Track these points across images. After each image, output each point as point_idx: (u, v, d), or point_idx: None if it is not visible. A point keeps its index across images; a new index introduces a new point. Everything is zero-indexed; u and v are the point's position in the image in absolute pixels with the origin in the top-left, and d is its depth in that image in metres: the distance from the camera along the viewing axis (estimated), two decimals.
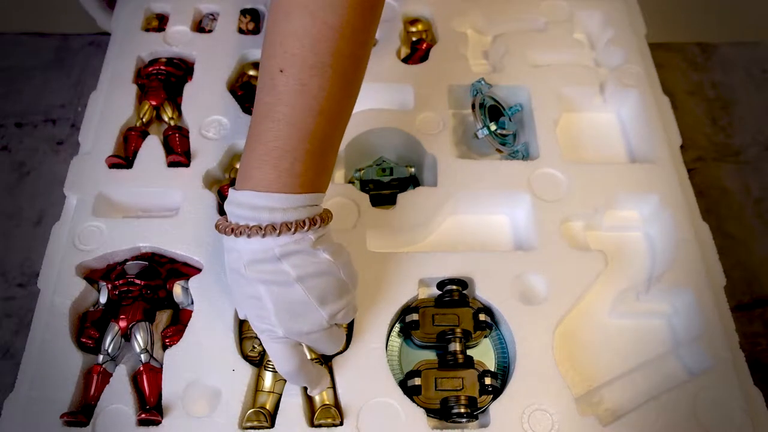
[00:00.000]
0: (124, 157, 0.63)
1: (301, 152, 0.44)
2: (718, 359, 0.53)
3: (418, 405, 0.50)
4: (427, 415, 0.50)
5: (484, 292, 0.56)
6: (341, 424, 0.50)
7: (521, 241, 0.62)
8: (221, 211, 0.60)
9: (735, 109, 0.79)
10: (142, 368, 0.52)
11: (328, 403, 0.51)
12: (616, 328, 0.58)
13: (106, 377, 0.52)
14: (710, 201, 0.71)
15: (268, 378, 0.52)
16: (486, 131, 0.65)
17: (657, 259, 0.61)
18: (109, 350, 0.53)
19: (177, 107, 0.68)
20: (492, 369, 0.54)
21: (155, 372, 0.52)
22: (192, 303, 0.55)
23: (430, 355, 0.55)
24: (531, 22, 0.76)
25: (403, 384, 0.52)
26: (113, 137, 0.64)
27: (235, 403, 0.50)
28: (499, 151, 0.66)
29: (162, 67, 0.70)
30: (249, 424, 0.50)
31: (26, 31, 0.83)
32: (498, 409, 0.51)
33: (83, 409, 0.51)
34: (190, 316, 0.54)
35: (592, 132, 0.71)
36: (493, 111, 0.67)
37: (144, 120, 0.67)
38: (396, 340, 0.55)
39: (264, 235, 0.43)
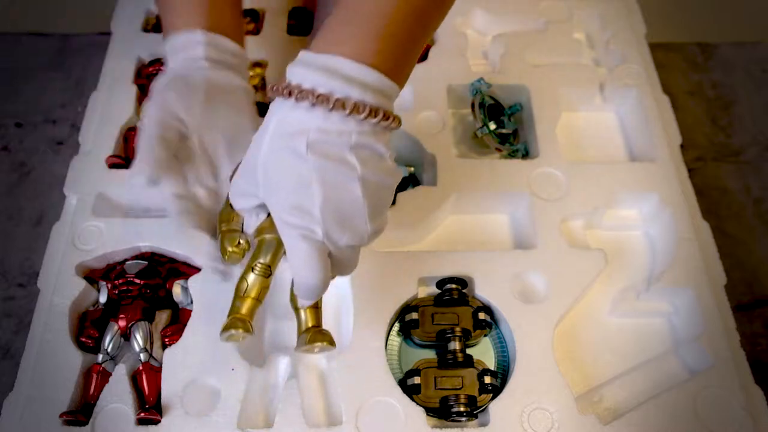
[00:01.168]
0: (124, 157, 0.63)
1: (407, 39, 0.39)
2: (718, 358, 0.53)
3: (417, 404, 0.50)
4: (427, 414, 0.50)
5: (483, 290, 0.56)
6: (334, 346, 0.45)
7: (521, 240, 0.62)
8: None
9: (735, 109, 0.79)
10: (141, 368, 0.52)
11: (316, 324, 0.45)
12: (616, 327, 0.58)
13: (105, 376, 0.52)
14: (710, 201, 0.71)
15: (251, 281, 0.44)
16: (486, 130, 0.65)
17: (657, 258, 0.61)
18: (109, 350, 0.53)
19: None
20: (492, 368, 0.54)
21: (154, 371, 0.52)
22: (191, 302, 0.55)
23: (430, 354, 0.55)
24: (531, 22, 0.77)
25: (402, 383, 0.52)
26: (113, 137, 0.64)
27: (234, 403, 0.50)
28: (499, 150, 0.66)
29: (162, 68, 0.70)
30: (232, 332, 0.42)
31: (26, 31, 0.83)
32: (498, 408, 0.50)
33: (83, 409, 0.51)
34: (190, 316, 0.54)
35: (592, 131, 0.71)
36: (493, 110, 0.67)
37: None
38: (395, 339, 0.55)
39: (349, 113, 0.37)
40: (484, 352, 0.55)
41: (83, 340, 0.54)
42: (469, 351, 0.54)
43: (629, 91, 0.70)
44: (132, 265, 0.56)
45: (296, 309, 0.46)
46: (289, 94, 0.38)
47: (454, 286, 0.56)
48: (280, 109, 0.39)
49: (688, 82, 0.81)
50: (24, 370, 0.52)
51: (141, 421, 0.49)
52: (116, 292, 0.56)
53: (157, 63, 0.71)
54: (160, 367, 0.52)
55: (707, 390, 0.52)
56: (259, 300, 0.44)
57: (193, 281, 0.56)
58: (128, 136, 0.66)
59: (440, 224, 0.63)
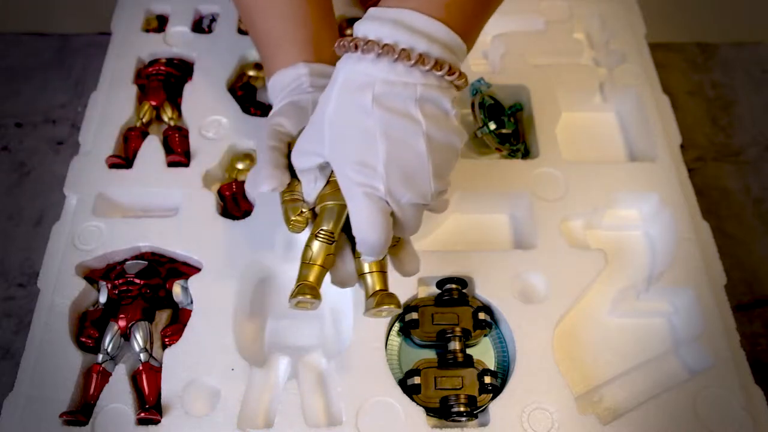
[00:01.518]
0: (124, 157, 0.64)
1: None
2: (718, 358, 0.53)
3: (417, 404, 0.50)
4: (427, 414, 0.50)
5: (483, 290, 0.56)
6: (401, 309, 0.45)
7: (521, 240, 0.62)
8: (221, 211, 0.60)
9: (735, 109, 0.79)
10: (141, 367, 0.52)
11: (383, 288, 0.44)
12: (616, 327, 0.58)
13: (105, 376, 0.52)
14: (710, 201, 0.71)
15: (316, 249, 0.44)
16: (486, 130, 0.65)
17: (657, 258, 0.61)
18: (109, 349, 0.53)
19: (177, 107, 0.68)
20: (492, 368, 0.54)
21: (154, 371, 0.52)
22: (191, 302, 0.55)
23: (430, 354, 0.55)
24: (531, 22, 0.76)
25: (402, 383, 0.52)
26: (113, 137, 0.65)
27: (234, 403, 0.50)
28: (499, 150, 0.66)
29: (162, 68, 0.70)
30: (300, 299, 0.42)
31: (26, 31, 0.83)
32: (498, 408, 0.50)
33: (83, 408, 0.51)
34: (190, 316, 0.54)
35: (592, 131, 0.71)
36: (493, 110, 0.67)
37: (144, 120, 0.67)
38: (395, 339, 0.55)
39: (414, 64, 0.37)
40: (484, 352, 0.55)
41: (83, 340, 0.54)
42: (469, 351, 0.54)
43: (629, 91, 0.70)
44: (132, 265, 0.56)
45: (362, 275, 0.45)
46: (355, 47, 0.37)
47: (454, 286, 0.56)
48: (346, 64, 0.39)
49: (688, 82, 0.81)
50: (24, 370, 0.52)
51: (141, 421, 0.49)
52: (116, 292, 0.56)
53: (157, 63, 0.71)
54: (160, 367, 0.52)
55: (707, 390, 0.52)
56: (325, 267, 0.44)
57: (193, 281, 0.56)
58: (128, 136, 0.66)
59: (440, 224, 0.63)
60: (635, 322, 0.58)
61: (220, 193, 0.62)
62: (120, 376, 0.51)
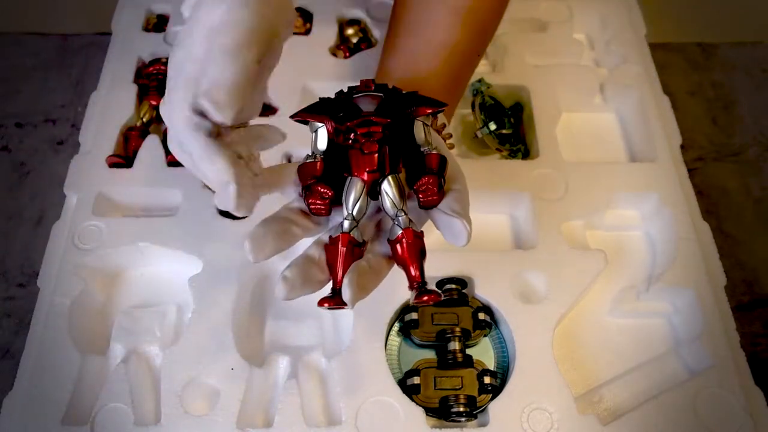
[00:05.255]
0: (124, 157, 0.64)
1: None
2: (718, 358, 0.53)
3: (417, 404, 0.50)
4: (426, 414, 0.50)
5: (483, 291, 0.56)
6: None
7: (521, 240, 0.62)
8: (220, 211, 0.60)
9: (735, 109, 0.79)
10: (402, 236, 0.39)
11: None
12: (616, 327, 0.58)
13: (355, 251, 0.39)
14: (710, 201, 0.71)
15: None
16: (486, 131, 0.65)
17: (657, 259, 0.61)
18: (355, 212, 0.40)
19: None
20: (491, 368, 0.54)
21: (420, 237, 0.40)
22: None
23: (430, 354, 0.55)
24: (531, 22, 0.77)
25: (402, 383, 0.52)
26: (113, 137, 0.65)
27: (233, 402, 0.50)
28: (499, 150, 0.66)
29: (162, 67, 0.70)
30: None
31: (26, 31, 0.83)
32: (497, 408, 0.50)
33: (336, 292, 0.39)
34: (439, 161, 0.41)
35: (592, 132, 0.71)
36: (493, 111, 0.67)
37: (144, 120, 0.67)
38: (395, 339, 0.55)
39: None
40: (483, 353, 0.55)
41: (315, 203, 0.41)
42: (468, 351, 0.54)
43: (629, 91, 0.70)
44: (366, 101, 0.42)
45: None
46: None
47: (454, 286, 0.56)
48: None
49: (688, 82, 0.81)
50: (24, 369, 0.52)
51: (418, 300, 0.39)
52: (351, 137, 0.41)
53: (158, 63, 0.71)
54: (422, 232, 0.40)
55: (707, 390, 0.52)
56: None
57: (193, 281, 0.56)
58: (128, 135, 0.66)
59: None
60: (635, 322, 0.58)
61: None
62: (120, 376, 0.51)
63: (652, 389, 0.54)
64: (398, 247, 0.39)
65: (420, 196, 0.40)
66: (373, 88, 0.43)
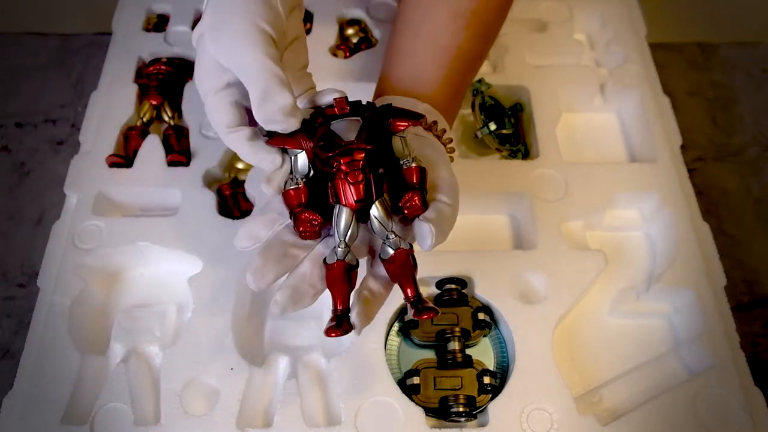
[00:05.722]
0: (124, 157, 0.64)
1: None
2: (718, 359, 0.53)
3: (416, 404, 0.50)
4: (426, 414, 0.50)
5: (483, 291, 0.56)
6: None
7: (521, 240, 0.62)
8: (221, 210, 0.60)
9: (735, 109, 0.79)
10: (395, 256, 0.41)
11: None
12: (616, 328, 0.58)
13: (351, 275, 0.41)
14: (710, 201, 0.71)
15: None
16: (486, 131, 0.65)
17: (657, 259, 0.61)
18: (347, 240, 0.41)
19: (177, 107, 0.68)
20: (491, 368, 0.54)
21: (411, 255, 0.41)
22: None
23: (429, 354, 0.55)
24: (531, 23, 0.76)
25: (401, 383, 0.52)
26: (113, 136, 0.65)
27: (233, 402, 0.50)
28: (499, 150, 0.66)
29: (162, 67, 0.70)
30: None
31: (26, 31, 0.83)
32: (497, 409, 0.50)
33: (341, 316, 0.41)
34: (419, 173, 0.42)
35: (593, 132, 0.71)
36: (493, 111, 0.67)
37: (144, 119, 0.67)
38: (395, 339, 0.55)
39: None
40: (483, 353, 0.55)
41: (306, 231, 0.42)
42: (468, 351, 0.54)
43: (629, 91, 0.70)
44: (345, 127, 0.42)
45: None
46: None
47: (453, 286, 0.56)
48: None
49: (688, 82, 0.81)
50: (24, 369, 0.52)
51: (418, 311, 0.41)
52: (334, 164, 0.41)
53: (158, 63, 0.71)
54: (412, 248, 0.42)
55: (707, 390, 0.52)
56: None
57: (193, 281, 0.56)
58: (128, 135, 0.66)
59: None
60: (635, 322, 0.58)
61: (220, 193, 0.62)
62: (119, 375, 0.51)
63: (651, 390, 0.54)
64: (392, 267, 0.42)
65: (406, 212, 0.42)
66: (348, 110, 0.43)
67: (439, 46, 0.53)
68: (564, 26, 0.75)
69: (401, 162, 0.42)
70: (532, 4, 0.77)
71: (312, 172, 0.43)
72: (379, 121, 0.43)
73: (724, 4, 0.96)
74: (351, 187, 0.41)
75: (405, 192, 0.42)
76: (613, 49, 0.74)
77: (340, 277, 0.41)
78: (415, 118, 0.44)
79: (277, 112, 0.40)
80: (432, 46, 0.53)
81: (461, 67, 0.53)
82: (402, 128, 0.43)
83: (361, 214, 0.42)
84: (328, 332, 0.41)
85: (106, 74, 0.70)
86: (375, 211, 0.41)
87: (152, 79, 0.69)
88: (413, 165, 0.42)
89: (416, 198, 0.41)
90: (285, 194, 0.42)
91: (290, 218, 0.43)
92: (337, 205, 0.42)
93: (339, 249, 0.41)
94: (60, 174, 0.62)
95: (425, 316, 0.41)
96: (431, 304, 0.41)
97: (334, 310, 0.41)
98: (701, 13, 0.96)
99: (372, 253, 0.45)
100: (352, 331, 0.41)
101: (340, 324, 0.41)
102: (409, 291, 0.41)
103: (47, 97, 0.77)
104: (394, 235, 0.41)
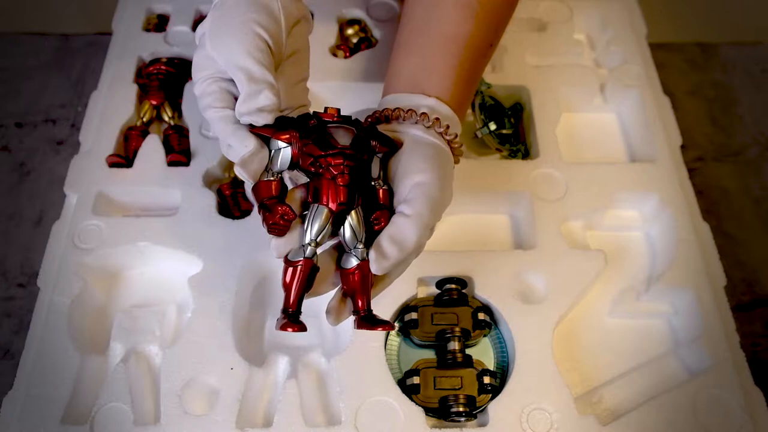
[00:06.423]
0: (124, 156, 0.64)
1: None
2: (718, 359, 0.53)
3: (416, 404, 0.50)
4: (426, 414, 0.50)
5: (483, 291, 0.56)
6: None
7: (521, 240, 0.62)
8: (220, 210, 0.60)
9: (735, 109, 0.79)
10: (355, 268, 0.42)
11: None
12: (615, 328, 0.58)
13: (315, 272, 0.42)
14: (710, 201, 0.71)
15: None
16: (486, 131, 0.65)
17: (657, 259, 0.61)
18: (318, 239, 0.42)
19: (177, 107, 0.68)
20: (491, 368, 0.54)
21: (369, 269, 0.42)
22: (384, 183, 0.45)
23: (429, 354, 0.55)
24: (531, 22, 0.76)
25: (401, 383, 0.52)
26: (114, 136, 0.65)
27: (233, 402, 0.50)
28: (499, 150, 0.66)
29: (162, 67, 0.70)
30: None
31: (26, 31, 0.83)
32: (497, 408, 0.50)
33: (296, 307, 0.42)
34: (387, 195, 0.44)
35: (593, 132, 0.71)
36: (493, 111, 0.67)
37: (144, 119, 0.67)
38: (395, 339, 0.55)
39: (429, 125, 0.47)
40: (483, 353, 0.55)
41: (277, 223, 0.41)
42: (468, 351, 0.54)
43: (630, 91, 0.70)
44: (340, 133, 0.43)
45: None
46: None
47: (453, 286, 0.56)
48: (409, 128, 0.47)
49: (688, 82, 0.81)
50: (23, 369, 0.52)
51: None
52: (319, 164, 0.42)
53: (158, 62, 0.71)
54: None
55: (707, 391, 0.52)
56: None
57: (193, 281, 0.56)
58: (129, 135, 0.66)
59: (440, 224, 0.63)
60: (635, 322, 0.58)
61: (220, 193, 0.62)
62: (120, 375, 0.51)
63: (651, 390, 0.54)
64: (351, 277, 0.42)
65: (375, 227, 0.43)
66: (337, 119, 0.44)
67: (447, 36, 0.51)
68: (564, 26, 0.75)
69: (373, 183, 0.44)
70: (532, 4, 0.77)
71: (292, 169, 0.43)
72: (367, 137, 0.44)
73: (724, 4, 0.96)
74: (338, 189, 0.42)
75: (375, 209, 0.43)
76: (613, 49, 0.74)
77: (304, 277, 0.41)
78: (391, 147, 0.45)
79: (255, 111, 0.42)
80: (439, 37, 0.51)
81: (471, 56, 0.52)
82: (381, 151, 0.45)
83: (336, 219, 0.42)
84: (284, 327, 0.41)
85: (106, 74, 0.70)
86: (351, 219, 0.42)
87: (152, 79, 0.69)
88: (384, 188, 0.44)
89: (384, 216, 0.43)
90: (257, 185, 0.43)
91: (259, 211, 0.42)
92: (316, 205, 0.42)
93: (308, 248, 0.41)
94: (60, 174, 0.62)
95: (380, 328, 0.42)
96: (381, 317, 0.43)
97: (287, 309, 0.41)
98: (701, 13, 0.96)
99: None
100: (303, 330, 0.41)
101: (293, 320, 0.41)
102: (360, 303, 0.42)
103: (47, 97, 0.77)
104: (362, 246, 0.42)
